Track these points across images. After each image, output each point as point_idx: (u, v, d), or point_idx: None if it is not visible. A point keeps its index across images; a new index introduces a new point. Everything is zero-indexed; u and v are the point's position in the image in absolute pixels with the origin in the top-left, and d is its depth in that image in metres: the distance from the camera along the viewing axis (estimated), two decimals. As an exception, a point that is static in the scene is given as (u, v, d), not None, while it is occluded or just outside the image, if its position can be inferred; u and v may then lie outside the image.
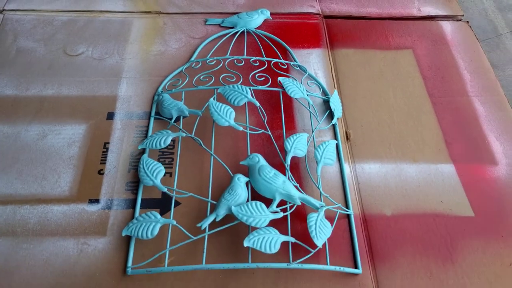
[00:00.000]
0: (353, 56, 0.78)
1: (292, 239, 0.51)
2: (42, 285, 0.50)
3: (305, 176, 0.61)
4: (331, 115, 0.67)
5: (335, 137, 0.65)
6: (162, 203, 0.57)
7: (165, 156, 0.61)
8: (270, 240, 0.50)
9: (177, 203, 0.57)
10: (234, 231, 0.54)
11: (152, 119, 0.64)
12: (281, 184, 0.54)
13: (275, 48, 0.76)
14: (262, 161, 0.57)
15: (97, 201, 0.56)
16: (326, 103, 0.69)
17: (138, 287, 0.50)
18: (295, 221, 0.55)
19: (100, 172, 0.59)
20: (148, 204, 0.57)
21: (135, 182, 0.59)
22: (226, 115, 0.60)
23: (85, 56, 0.73)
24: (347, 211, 0.58)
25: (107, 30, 0.77)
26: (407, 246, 0.57)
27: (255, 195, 0.55)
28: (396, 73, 0.76)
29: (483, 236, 0.58)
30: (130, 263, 0.51)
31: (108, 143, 0.62)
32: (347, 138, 0.67)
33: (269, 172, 0.55)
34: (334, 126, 0.67)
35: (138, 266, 0.51)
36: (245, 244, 0.49)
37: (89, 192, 0.57)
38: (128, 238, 0.54)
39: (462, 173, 0.64)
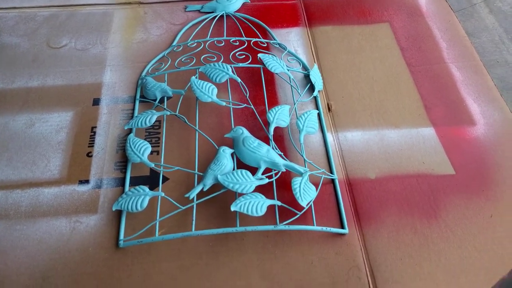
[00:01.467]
0: (331, 32, 0.80)
1: (278, 203, 0.53)
2: (37, 262, 0.51)
3: (289, 146, 0.62)
4: (312, 88, 0.69)
5: (317, 109, 0.67)
6: (151, 179, 0.58)
7: (152, 136, 0.62)
8: (256, 204, 0.51)
9: (165, 179, 0.58)
10: (222, 200, 0.55)
11: (137, 102, 0.66)
12: (265, 153, 0.56)
13: (254, 29, 0.78)
14: (246, 133, 0.58)
15: (87, 181, 0.58)
16: (307, 77, 0.70)
17: (131, 259, 0.52)
18: (281, 187, 0.57)
19: (89, 155, 0.60)
20: (137, 182, 0.58)
21: (123, 161, 0.60)
22: (208, 92, 0.61)
23: (68, 47, 0.74)
24: (331, 176, 0.59)
25: (89, 22, 0.79)
26: (392, 206, 0.58)
27: (241, 166, 0.57)
28: (375, 45, 0.78)
29: (464, 192, 0.60)
30: (122, 236, 0.53)
31: (95, 127, 0.63)
32: (329, 109, 0.69)
33: (253, 142, 0.57)
34: (315, 98, 0.69)
35: (129, 238, 0.52)
36: (232, 208, 0.50)
37: (79, 173, 0.59)
38: (119, 213, 0.55)
39: (442, 135, 0.66)
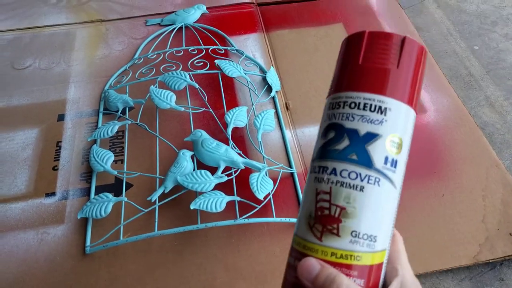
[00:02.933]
0: (287, 35, 0.84)
1: (238, 198, 0.55)
2: (6, 275, 0.52)
3: (249, 145, 0.65)
4: (270, 90, 0.72)
5: (276, 108, 0.70)
6: (115, 187, 0.60)
7: (116, 145, 0.65)
8: (215, 201, 0.53)
9: (129, 185, 0.60)
10: (184, 200, 0.57)
11: (100, 115, 0.68)
12: (223, 152, 0.58)
13: (212, 37, 0.81)
14: (205, 135, 0.61)
15: (53, 194, 0.60)
16: (265, 79, 0.74)
17: (98, 264, 0.53)
18: (242, 184, 0.59)
19: (55, 168, 0.62)
20: (103, 190, 0.60)
21: (88, 172, 0.62)
22: (167, 99, 0.64)
23: (32, 68, 0.76)
24: (290, 170, 0.62)
25: (53, 42, 0.81)
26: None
27: (202, 167, 0.59)
28: (329, 45, 0.82)
29: (418, 176, 0.63)
30: (88, 243, 0.54)
31: (60, 141, 0.65)
32: (287, 108, 0.72)
33: (212, 143, 0.59)
34: (273, 98, 0.72)
35: (95, 244, 0.54)
36: (192, 206, 0.52)
37: (45, 187, 0.60)
38: (86, 222, 0.57)
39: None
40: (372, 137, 0.26)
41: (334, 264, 0.25)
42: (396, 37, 0.27)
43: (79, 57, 0.78)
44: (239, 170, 0.59)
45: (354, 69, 0.28)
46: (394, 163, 0.26)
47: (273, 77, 0.73)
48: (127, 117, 0.65)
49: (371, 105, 0.26)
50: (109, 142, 0.65)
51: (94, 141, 0.65)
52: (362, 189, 0.26)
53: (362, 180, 0.26)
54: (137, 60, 0.76)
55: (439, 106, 0.72)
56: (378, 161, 0.26)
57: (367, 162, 0.26)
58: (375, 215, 0.26)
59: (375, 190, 0.26)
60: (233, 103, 0.71)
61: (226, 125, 0.64)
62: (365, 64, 0.27)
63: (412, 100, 0.28)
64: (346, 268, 0.25)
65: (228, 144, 0.61)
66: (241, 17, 0.87)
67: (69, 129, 0.67)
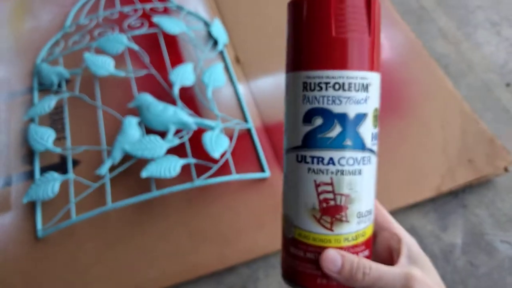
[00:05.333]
0: (231, -15, 0.78)
1: (193, 160, 0.53)
2: (-47, 273, 0.49)
3: (199, 104, 0.61)
4: (217, 44, 0.68)
5: (225, 62, 0.66)
6: (61, 166, 0.56)
7: (56, 122, 0.60)
8: (169, 166, 0.51)
9: (77, 162, 0.56)
10: (136, 170, 0.54)
11: (35, 92, 0.63)
12: (172, 114, 0.55)
13: (149, -5, 0.75)
14: (150, 98, 0.57)
15: (-6, 182, 0.55)
16: (210, 34, 0.69)
17: (53, 247, 0.50)
18: (197, 146, 0.56)
19: (-8, 155, 0.57)
20: (48, 171, 0.55)
21: (30, 154, 0.57)
22: (104, 65, 0.59)
23: (-48, 51, 0.69)
24: (246, 125, 0.59)
25: (-29, 20, 0.73)
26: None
27: (151, 133, 0.55)
28: (276, -9, 0.77)
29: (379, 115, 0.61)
30: (39, 226, 0.51)
31: (-5, 126, 0.60)
32: (238, 61, 0.68)
33: (158, 106, 0.55)
34: (222, 53, 0.68)
35: (47, 227, 0.50)
36: (143, 175, 0.49)
37: (-16, 176, 0.56)
38: (34, 205, 0.53)
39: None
40: (361, 118, 0.26)
41: (349, 248, 0.26)
42: None
43: (3, 33, 0.71)
44: (192, 131, 0.56)
45: (328, 41, 0.25)
46: (376, 136, 0.27)
47: (218, 30, 0.69)
48: (64, 89, 0.60)
49: (355, 84, 0.25)
50: (49, 119, 0.60)
51: (32, 121, 0.60)
52: (360, 172, 0.26)
53: (359, 164, 0.26)
54: (68, 28, 0.69)
55: (393, 43, 0.70)
56: (367, 141, 0.26)
57: (361, 145, 0.26)
58: (370, 190, 0.27)
59: (369, 168, 0.27)
60: (178, 62, 0.66)
61: (172, 86, 0.60)
62: (339, 36, 0.25)
63: (379, 65, 0.27)
64: (358, 247, 0.27)
65: (176, 105, 0.58)
66: (179, -30, 0.81)
67: (2, 111, 0.61)
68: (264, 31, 0.71)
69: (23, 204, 0.53)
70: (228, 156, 0.55)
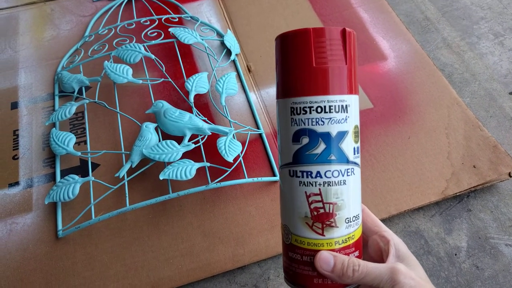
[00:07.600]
0: (242, -3, 0.82)
1: (207, 164, 0.55)
2: (-22, 270, 0.51)
3: (213, 110, 0.64)
4: (229, 53, 0.71)
5: (237, 71, 0.69)
6: (81, 169, 0.59)
7: (77, 127, 0.62)
8: (185, 169, 0.53)
9: (96, 165, 0.59)
10: (153, 173, 0.56)
11: (56, 98, 0.65)
12: (188, 120, 0.57)
13: (164, 6, 0.78)
14: (166, 105, 0.59)
15: (17, 183, 0.57)
16: (223, 43, 0.72)
17: (73, 246, 0.52)
18: (211, 150, 0.58)
19: (15, 158, 0.60)
20: (68, 173, 0.57)
21: (51, 157, 0.60)
22: (123, 73, 0.61)
23: (-23, 58, 0.72)
24: (257, 131, 0.62)
25: (-5, 29, 0.76)
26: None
27: (167, 138, 0.58)
28: (285, 3, 0.80)
29: (383, 121, 0.64)
30: (60, 227, 0.53)
31: (17, 130, 0.63)
32: (249, 70, 0.71)
33: (174, 112, 0.58)
34: (234, 62, 0.70)
35: (67, 227, 0.53)
36: (161, 177, 0.52)
37: (7, 177, 0.58)
38: (55, 206, 0.55)
39: (358, 74, 0.69)
40: (342, 135, 0.29)
41: (340, 250, 0.30)
42: (336, 31, 0.29)
43: (26, 41, 0.74)
44: (206, 136, 0.58)
45: (309, 71, 0.29)
46: (358, 150, 0.30)
47: (231, 40, 0.71)
48: (84, 96, 0.63)
49: (335, 106, 0.29)
50: (69, 125, 0.63)
51: (53, 125, 0.62)
52: (345, 182, 0.29)
53: (343, 175, 0.29)
54: (88, 38, 0.72)
55: (398, 52, 0.72)
56: (350, 155, 0.29)
57: (344, 159, 0.29)
58: (356, 198, 0.30)
59: (353, 178, 0.30)
60: (192, 71, 0.69)
61: (187, 94, 0.62)
62: (319, 66, 0.29)
63: (357, 88, 0.31)
64: (348, 248, 0.30)
65: (192, 112, 0.60)
66: (192, -17, 0.84)
67: (25, 116, 0.64)
68: (272, 42, 0.74)
69: (44, 205, 0.55)
70: (241, 160, 0.57)
